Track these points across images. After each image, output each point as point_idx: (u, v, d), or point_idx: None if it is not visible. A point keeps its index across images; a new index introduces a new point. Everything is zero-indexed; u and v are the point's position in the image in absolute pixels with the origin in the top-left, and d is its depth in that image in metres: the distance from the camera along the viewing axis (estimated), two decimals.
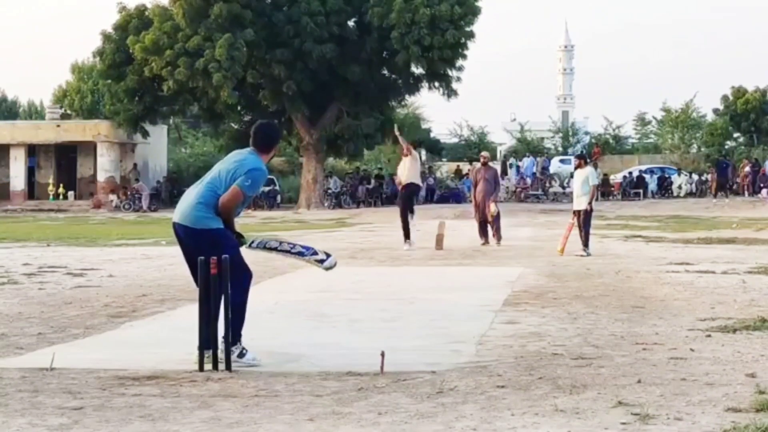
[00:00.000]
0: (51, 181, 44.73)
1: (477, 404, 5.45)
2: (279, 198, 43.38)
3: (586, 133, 63.11)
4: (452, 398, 5.61)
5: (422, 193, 39.38)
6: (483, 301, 10.13)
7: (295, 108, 39.78)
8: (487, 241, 18.86)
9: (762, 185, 44.51)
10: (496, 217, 18.95)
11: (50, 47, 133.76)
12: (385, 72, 41.43)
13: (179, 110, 45.03)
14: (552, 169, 49.22)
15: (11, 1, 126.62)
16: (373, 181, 45.17)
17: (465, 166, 48.84)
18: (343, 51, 38.51)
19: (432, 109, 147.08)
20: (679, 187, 46.08)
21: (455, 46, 37.88)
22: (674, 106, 57.00)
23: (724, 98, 56.34)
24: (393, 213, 22.49)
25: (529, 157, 50.78)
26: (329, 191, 42.80)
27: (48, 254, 17.28)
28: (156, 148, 47.39)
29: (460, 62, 39.14)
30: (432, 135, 61.37)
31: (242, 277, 6.72)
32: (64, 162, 45.83)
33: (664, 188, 46.50)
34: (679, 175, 47.34)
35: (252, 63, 38.76)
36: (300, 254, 7.04)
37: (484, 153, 21.63)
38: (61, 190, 44.42)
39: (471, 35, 38.34)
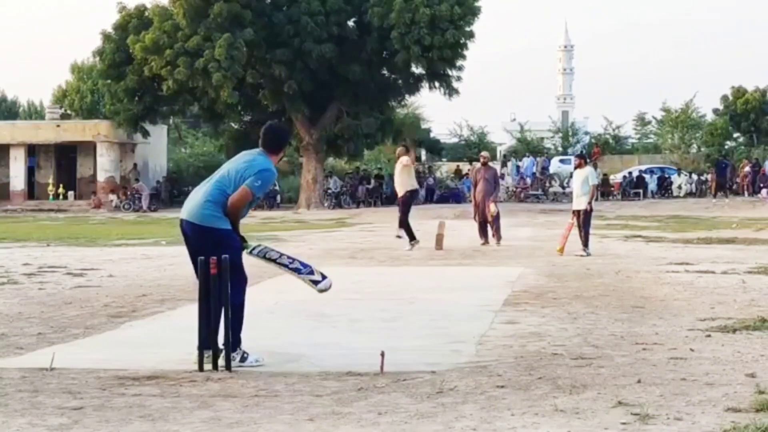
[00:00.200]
0: (51, 181, 44.73)
1: (477, 404, 5.45)
2: (279, 198, 43.37)
3: (586, 133, 63.10)
4: (452, 398, 5.61)
5: (422, 193, 39.44)
6: (483, 301, 10.13)
7: (295, 108, 39.79)
8: (486, 241, 18.86)
9: (762, 185, 44.51)
10: (496, 217, 18.95)
11: (50, 47, 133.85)
12: (385, 72, 41.44)
13: (179, 110, 45.03)
14: (552, 169, 49.21)
15: (11, 1, 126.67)
16: (373, 181, 45.18)
17: (465, 166, 48.85)
18: (343, 51, 38.51)
19: (432, 109, 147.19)
20: (679, 187, 46.08)
21: (455, 46, 37.88)
22: (674, 106, 57.08)
23: (724, 98, 56.37)
24: (393, 213, 22.48)
25: (528, 157, 50.79)
26: (329, 191, 42.80)
27: (48, 254, 17.28)
28: (156, 148, 47.39)
29: (460, 62, 39.15)
30: (432, 135, 61.39)
31: (240, 279, 6.74)
32: (64, 162, 45.83)
33: (664, 188, 46.49)
34: (678, 175, 47.34)
35: (252, 63, 38.77)
36: (297, 270, 7.05)
37: (483, 153, 21.62)
38: (61, 190, 44.42)
39: (471, 35, 38.34)
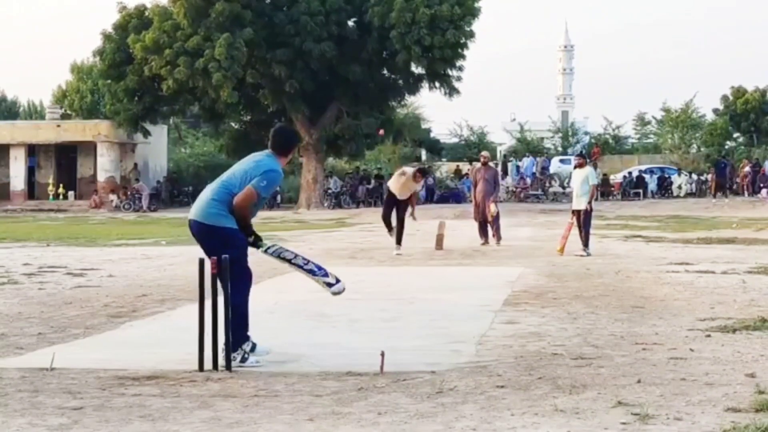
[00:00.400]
0: (51, 181, 44.75)
1: (477, 404, 5.46)
2: (279, 198, 43.39)
3: (586, 133, 63.07)
4: (452, 398, 5.61)
5: (422, 193, 39.42)
6: (483, 301, 10.13)
7: (295, 108, 39.79)
8: (486, 241, 18.86)
9: (762, 185, 44.52)
10: (496, 217, 18.95)
11: (50, 47, 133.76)
12: (385, 72, 41.45)
13: (179, 110, 45.05)
14: (552, 169, 49.21)
15: (11, 1, 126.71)
16: (373, 181, 45.19)
17: (465, 166, 48.85)
18: (343, 51, 38.52)
19: (432, 109, 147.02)
20: (679, 187, 46.08)
21: (455, 46, 37.89)
22: (674, 106, 57.07)
23: (724, 98, 56.38)
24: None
25: (528, 157, 50.79)
26: (329, 191, 42.81)
27: (48, 254, 17.28)
28: (156, 148, 47.41)
29: (460, 62, 39.18)
30: (432, 135, 61.39)
31: (243, 278, 6.75)
32: (64, 162, 45.85)
33: (664, 188, 46.50)
34: (678, 175, 47.34)
35: (252, 63, 38.78)
36: (311, 272, 7.04)
37: (484, 153, 21.62)
38: (61, 190, 44.44)
39: (471, 35, 38.36)
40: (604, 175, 44.85)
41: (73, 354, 7.20)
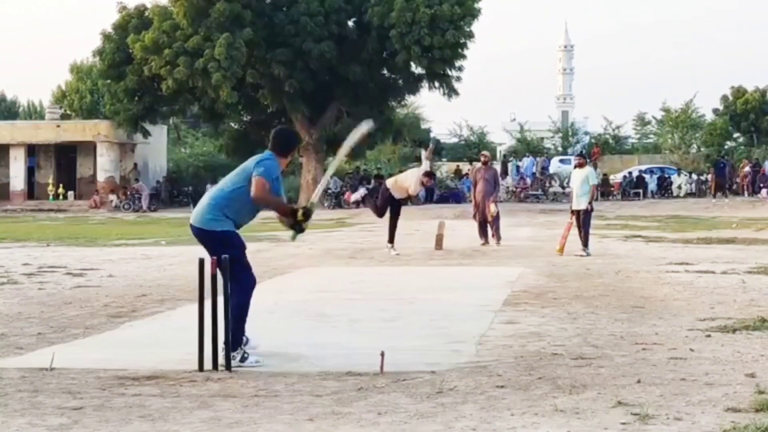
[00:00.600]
0: (51, 181, 44.74)
1: (477, 404, 5.45)
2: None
3: (586, 133, 63.06)
4: (452, 398, 5.61)
5: (422, 193, 39.41)
6: (483, 301, 10.13)
7: (295, 108, 39.79)
8: (486, 241, 18.86)
9: (762, 185, 44.51)
10: (496, 218, 18.94)
11: (50, 47, 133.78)
12: (385, 72, 41.44)
13: (179, 110, 45.05)
14: (552, 169, 49.20)
15: (11, 1, 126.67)
16: (373, 181, 45.15)
17: (465, 166, 48.83)
18: (343, 50, 38.52)
19: (432, 109, 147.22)
20: (679, 187, 46.07)
21: (455, 46, 37.89)
22: (674, 106, 57.07)
23: (724, 98, 56.36)
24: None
25: (528, 157, 50.78)
26: (329, 191, 42.79)
27: (48, 254, 17.28)
28: (156, 148, 47.40)
29: (460, 62, 39.18)
30: (432, 135, 61.37)
31: (244, 278, 6.80)
32: (64, 162, 45.85)
33: (664, 188, 46.48)
34: (678, 175, 47.33)
35: (252, 63, 38.77)
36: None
37: (484, 152, 21.60)
38: (60, 190, 44.43)
39: (471, 35, 38.36)
40: (604, 175, 44.83)
41: (72, 354, 7.20)
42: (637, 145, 61.73)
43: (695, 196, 44.82)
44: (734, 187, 46.18)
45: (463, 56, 39.01)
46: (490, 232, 18.97)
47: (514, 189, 45.65)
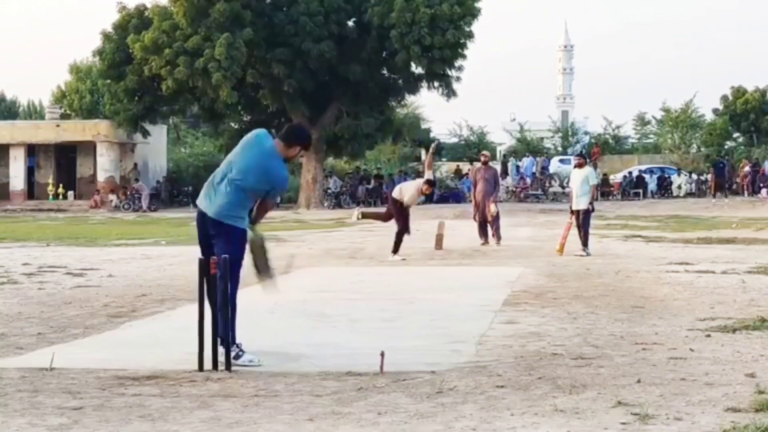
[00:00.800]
0: (51, 181, 44.75)
1: (476, 404, 5.45)
2: (279, 198, 43.37)
3: (586, 133, 63.08)
4: (452, 398, 5.61)
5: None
6: (483, 301, 10.12)
7: (295, 108, 39.78)
8: (486, 241, 18.86)
9: (762, 185, 44.53)
10: (496, 218, 18.94)
11: (50, 47, 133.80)
12: (385, 72, 41.43)
13: (179, 110, 45.04)
14: (552, 169, 49.22)
15: (11, 1, 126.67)
16: (372, 181, 45.18)
17: (465, 166, 48.83)
18: (343, 50, 38.51)
19: (432, 109, 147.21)
20: (679, 187, 46.09)
21: (455, 46, 37.89)
22: (674, 106, 57.09)
23: (724, 98, 56.36)
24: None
25: (528, 157, 50.79)
26: (329, 191, 42.81)
27: (48, 254, 17.27)
28: (156, 148, 47.40)
29: (459, 62, 39.18)
30: (432, 135, 61.33)
31: (238, 277, 6.86)
32: (64, 162, 45.85)
33: (664, 188, 46.51)
34: (678, 175, 47.35)
35: (252, 63, 38.77)
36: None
37: (484, 152, 21.58)
38: (60, 190, 44.43)
39: (471, 35, 38.35)
40: (604, 175, 44.86)
41: (72, 354, 7.20)
42: (637, 145, 61.75)
43: (695, 196, 44.85)
44: (734, 187, 46.20)
45: (463, 56, 39.01)
46: (490, 232, 18.97)
47: (514, 189, 45.66)
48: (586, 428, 4.91)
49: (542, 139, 60.79)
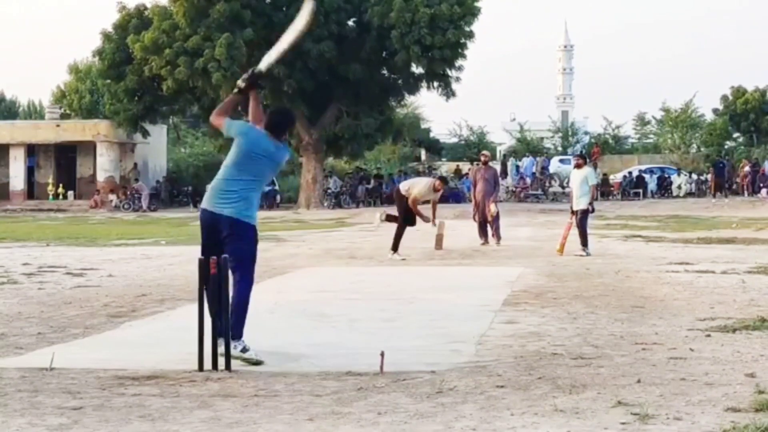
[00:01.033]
0: (50, 180, 44.75)
1: (476, 404, 5.45)
2: (278, 198, 43.38)
3: (586, 132, 63.09)
4: (452, 398, 5.60)
5: None
6: (483, 301, 10.12)
7: (295, 107, 39.64)
8: (486, 241, 18.86)
9: (762, 185, 44.52)
10: (496, 218, 18.95)
11: (50, 47, 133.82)
12: (385, 72, 41.42)
13: (179, 110, 45.03)
14: (552, 169, 49.22)
15: (11, 1, 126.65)
16: (372, 181, 45.17)
17: (465, 166, 48.84)
18: (343, 50, 38.50)
19: (432, 109, 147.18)
20: (679, 187, 46.08)
21: (455, 45, 37.87)
22: (674, 106, 57.09)
23: (724, 98, 56.36)
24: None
25: (528, 157, 50.79)
26: (329, 191, 42.79)
27: (48, 254, 17.27)
28: (156, 148, 47.40)
29: (459, 62, 39.15)
30: (432, 135, 61.39)
31: (252, 274, 6.94)
32: (64, 162, 45.85)
33: (664, 188, 46.50)
34: (678, 175, 47.35)
35: (252, 63, 38.62)
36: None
37: (484, 152, 21.57)
38: (60, 189, 44.43)
39: (471, 35, 38.33)
40: (604, 175, 44.85)
41: (72, 354, 7.20)
42: (637, 145, 61.76)
43: (695, 196, 44.84)
44: (734, 187, 46.19)
45: (463, 56, 38.98)
46: (490, 232, 18.97)
47: (514, 189, 45.66)
48: (586, 428, 4.91)
49: (542, 139, 60.80)
